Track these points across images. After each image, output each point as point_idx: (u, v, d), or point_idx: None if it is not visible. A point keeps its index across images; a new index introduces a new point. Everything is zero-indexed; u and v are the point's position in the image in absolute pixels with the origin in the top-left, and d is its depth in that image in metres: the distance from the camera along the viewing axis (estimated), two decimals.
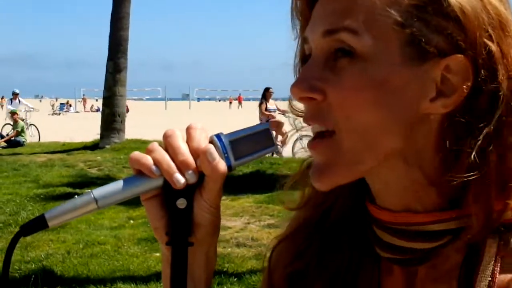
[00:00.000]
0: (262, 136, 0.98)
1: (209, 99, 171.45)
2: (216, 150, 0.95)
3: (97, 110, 59.91)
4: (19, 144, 22.52)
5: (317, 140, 0.93)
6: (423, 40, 0.86)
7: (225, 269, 7.40)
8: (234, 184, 11.54)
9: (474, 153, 0.86)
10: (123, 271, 7.70)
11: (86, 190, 0.96)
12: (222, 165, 0.95)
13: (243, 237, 8.92)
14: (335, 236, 1.05)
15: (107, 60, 19.81)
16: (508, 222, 0.90)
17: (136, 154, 0.95)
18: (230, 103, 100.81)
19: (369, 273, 1.03)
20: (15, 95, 28.06)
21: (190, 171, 0.94)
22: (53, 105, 79.98)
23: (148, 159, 0.94)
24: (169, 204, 0.97)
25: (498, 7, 0.88)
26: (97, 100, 79.93)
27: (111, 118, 19.87)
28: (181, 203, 0.96)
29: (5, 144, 22.41)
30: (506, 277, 0.88)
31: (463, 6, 0.85)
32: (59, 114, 68.22)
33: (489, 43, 0.86)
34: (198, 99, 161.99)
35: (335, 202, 1.05)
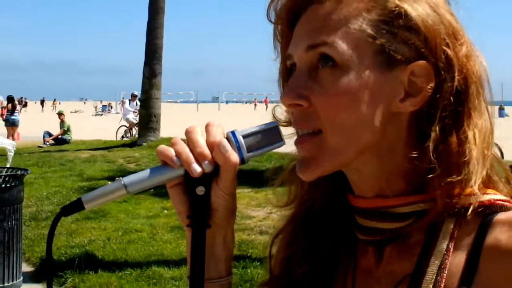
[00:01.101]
0: (272, 133, 1.01)
1: (236, 102, 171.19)
2: (230, 144, 0.98)
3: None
4: (65, 141, 22.68)
5: (304, 137, 0.97)
6: (391, 49, 0.92)
7: (249, 254, 7.41)
8: (258, 178, 11.55)
9: (437, 143, 0.92)
10: (158, 255, 7.75)
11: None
12: (234, 157, 0.98)
13: (265, 226, 8.94)
14: (319, 227, 1.08)
15: (144, 66, 19.88)
16: (466, 206, 0.93)
17: (162, 147, 0.99)
18: (255, 105, 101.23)
19: (348, 256, 1.07)
20: (133, 96, 26.25)
21: (206, 162, 0.97)
22: (96, 107, 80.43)
23: (170, 151, 0.98)
24: (190, 191, 1.00)
25: (451, 19, 0.94)
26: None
27: (148, 119, 19.96)
28: (200, 190, 0.99)
29: (53, 142, 22.56)
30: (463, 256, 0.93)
31: (424, 20, 0.92)
32: (101, 115, 68.58)
33: (447, 49, 0.92)
34: (227, 102, 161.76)
35: (318, 198, 1.08)
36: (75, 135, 24.30)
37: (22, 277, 7.03)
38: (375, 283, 1.02)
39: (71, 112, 27.17)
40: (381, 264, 1.02)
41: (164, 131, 19.85)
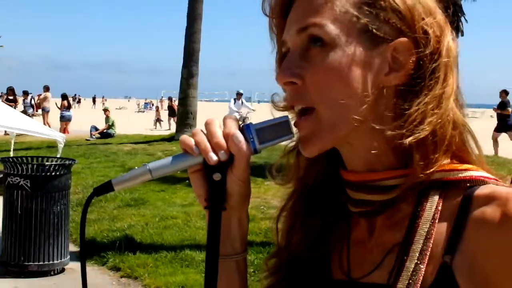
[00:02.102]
0: (283, 126, 1.02)
1: (267, 102, 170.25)
2: (244, 136, 0.99)
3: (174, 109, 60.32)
4: (110, 135, 22.77)
5: (301, 118, 0.98)
6: (374, 28, 0.94)
7: (272, 242, 7.43)
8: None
9: (421, 116, 0.93)
10: (191, 240, 7.81)
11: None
12: (246, 147, 0.99)
13: None
14: (315, 202, 1.10)
15: (182, 68, 19.96)
16: (448, 180, 0.95)
17: (183, 137, 1.01)
18: None
19: (342, 229, 1.08)
20: (239, 95, 24.26)
21: (222, 151, 0.99)
22: (138, 104, 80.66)
23: (191, 141, 1.00)
24: (207, 177, 1.01)
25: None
26: (174, 100, 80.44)
27: (185, 115, 20.03)
28: (217, 176, 1.00)
29: (99, 136, 22.71)
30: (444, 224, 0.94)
31: (404, 1, 0.94)
32: (143, 111, 68.74)
33: (425, 27, 0.95)
34: (259, 101, 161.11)
35: (314, 175, 1.09)
36: (119, 129, 24.43)
37: (69, 256, 7.17)
38: (368, 253, 1.02)
39: (116, 108, 27.24)
40: (373, 236, 1.03)
41: (200, 126, 19.91)
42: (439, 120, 0.94)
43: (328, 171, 1.07)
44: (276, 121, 1.03)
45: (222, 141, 0.99)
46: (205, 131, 1.02)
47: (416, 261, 0.92)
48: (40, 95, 27.42)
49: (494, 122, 20.43)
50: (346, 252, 1.06)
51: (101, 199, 10.68)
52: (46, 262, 6.88)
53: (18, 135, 15.05)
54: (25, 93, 28.35)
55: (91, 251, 7.75)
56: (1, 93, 30.48)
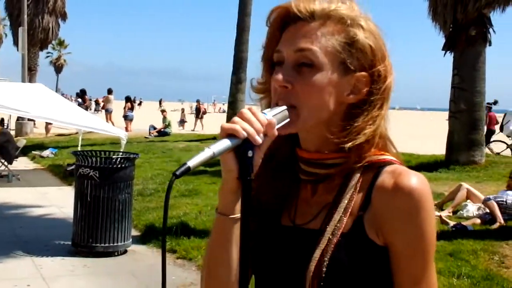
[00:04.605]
0: (284, 113, 1.17)
1: None
2: None
3: (224, 112, 60.68)
4: (166, 134, 23.04)
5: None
6: (348, 62, 1.20)
7: None
8: None
9: (359, 123, 1.20)
10: None
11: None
12: (275, 131, 1.13)
13: None
14: (278, 171, 1.31)
15: (231, 75, 20.09)
16: (368, 162, 1.22)
17: (228, 124, 1.10)
18: None
19: (294, 190, 1.31)
20: None
21: (261, 134, 1.10)
22: (191, 107, 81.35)
23: (239, 127, 1.09)
24: (242, 155, 1.10)
25: (383, 47, 1.23)
26: (223, 104, 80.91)
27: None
28: (250, 153, 1.10)
29: (157, 134, 23.05)
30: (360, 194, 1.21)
31: (370, 47, 1.21)
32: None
33: (380, 69, 1.22)
34: None
35: (278, 152, 1.30)
36: (174, 129, 24.75)
37: (131, 239, 7.33)
38: (309, 208, 1.27)
39: (171, 110, 27.57)
40: (314, 196, 1.27)
41: None
42: (372, 133, 1.21)
43: (288, 152, 1.31)
44: (281, 110, 1.17)
45: (261, 127, 1.11)
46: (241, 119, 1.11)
47: (341, 214, 1.19)
48: (104, 97, 27.95)
49: None
50: (294, 207, 1.30)
51: (160, 190, 10.88)
52: (111, 244, 7.05)
53: (85, 132, 15.43)
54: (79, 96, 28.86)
55: (150, 235, 7.92)
56: (68, 95, 30.97)
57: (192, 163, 1.04)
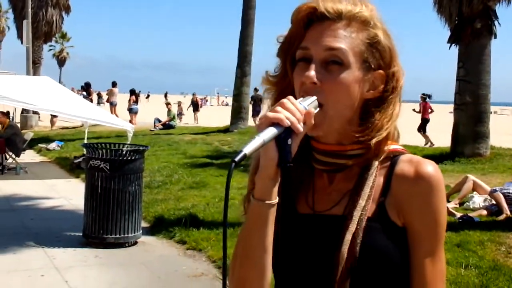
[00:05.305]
0: (315, 103, 1.22)
1: None
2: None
3: (226, 104, 60.67)
4: (171, 127, 23.05)
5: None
6: (369, 61, 1.28)
7: None
8: None
9: (376, 117, 1.29)
10: None
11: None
12: (313, 121, 1.19)
13: None
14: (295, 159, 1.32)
15: (236, 68, 20.12)
16: (384, 152, 1.31)
17: (273, 114, 1.15)
18: None
19: (308, 179, 1.37)
20: None
21: (302, 123, 1.16)
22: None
23: (283, 116, 1.14)
24: (282, 142, 1.15)
25: (395, 48, 1.31)
26: (226, 97, 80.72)
27: (239, 110, 20.20)
28: (289, 140, 1.15)
29: (162, 127, 23.07)
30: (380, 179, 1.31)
31: (388, 47, 1.29)
32: (202, 106, 69.07)
33: (394, 70, 1.30)
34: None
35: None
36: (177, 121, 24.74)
37: (141, 230, 7.40)
38: (328, 196, 1.34)
39: (173, 103, 27.61)
40: (332, 185, 1.35)
41: (252, 120, 20.09)
42: (390, 128, 1.30)
43: (302, 142, 1.28)
44: (312, 100, 1.22)
45: (301, 116, 1.17)
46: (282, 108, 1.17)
47: (365, 201, 1.27)
48: (108, 90, 27.99)
49: None
50: (312, 194, 1.36)
51: (167, 182, 10.94)
52: (122, 235, 7.11)
53: (90, 125, 15.49)
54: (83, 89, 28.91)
55: (160, 226, 8.00)
56: (75, 89, 31.02)
57: (247, 150, 1.09)
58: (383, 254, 1.25)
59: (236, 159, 1.09)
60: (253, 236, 1.24)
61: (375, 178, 1.30)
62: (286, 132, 1.15)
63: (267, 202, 1.21)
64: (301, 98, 1.22)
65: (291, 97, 1.19)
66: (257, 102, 23.69)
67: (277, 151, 1.16)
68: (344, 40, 1.25)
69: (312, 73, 1.23)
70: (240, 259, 1.28)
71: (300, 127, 1.16)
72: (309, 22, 1.29)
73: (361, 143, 1.29)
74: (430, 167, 1.28)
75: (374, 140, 1.28)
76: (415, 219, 1.27)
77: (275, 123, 1.14)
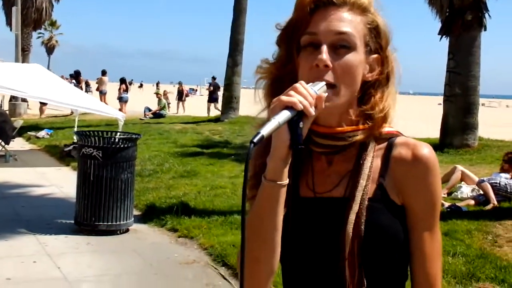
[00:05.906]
0: (324, 88, 1.27)
1: None
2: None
3: None
4: (162, 116, 22.97)
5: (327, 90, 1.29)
6: (369, 44, 1.36)
7: None
8: None
9: (375, 99, 1.36)
10: (238, 206, 7.84)
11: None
12: (324, 105, 1.25)
13: None
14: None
15: (228, 57, 20.08)
16: (380, 133, 1.37)
17: (287, 97, 1.20)
18: None
19: (306, 162, 1.41)
20: None
21: (313, 107, 1.22)
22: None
23: (296, 100, 1.19)
24: (293, 126, 1.20)
25: (389, 33, 1.39)
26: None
27: (229, 100, 20.19)
28: (301, 123, 1.20)
29: (152, 116, 22.99)
30: (378, 160, 1.37)
31: (385, 31, 1.37)
32: (188, 96, 68.94)
33: (388, 54, 1.38)
34: None
35: None
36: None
37: (133, 218, 7.44)
38: (327, 178, 1.39)
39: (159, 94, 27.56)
40: (331, 167, 1.39)
41: (242, 110, 20.11)
42: (388, 106, 1.36)
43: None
44: (321, 85, 1.27)
45: (313, 100, 1.22)
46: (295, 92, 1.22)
47: (365, 181, 1.33)
48: (98, 78, 27.85)
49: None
50: (311, 177, 1.40)
51: (158, 171, 10.97)
52: (114, 223, 7.14)
53: (80, 113, 15.45)
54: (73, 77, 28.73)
55: (151, 214, 8.05)
56: (65, 76, 30.82)
57: (264, 131, 1.15)
58: (388, 232, 1.32)
59: (255, 140, 1.13)
60: (264, 216, 1.28)
61: (373, 159, 1.36)
62: (299, 115, 1.20)
63: (278, 182, 1.25)
64: (311, 83, 1.25)
65: (303, 82, 1.23)
66: (215, 89, 26.72)
67: (289, 133, 1.21)
68: (350, 24, 1.32)
69: (325, 56, 1.29)
70: (251, 240, 1.25)
71: (312, 110, 1.21)
72: (314, 8, 1.33)
73: (360, 124, 1.35)
74: (426, 150, 1.35)
75: (374, 122, 1.34)
76: (414, 199, 1.34)
77: (289, 107, 1.19)
